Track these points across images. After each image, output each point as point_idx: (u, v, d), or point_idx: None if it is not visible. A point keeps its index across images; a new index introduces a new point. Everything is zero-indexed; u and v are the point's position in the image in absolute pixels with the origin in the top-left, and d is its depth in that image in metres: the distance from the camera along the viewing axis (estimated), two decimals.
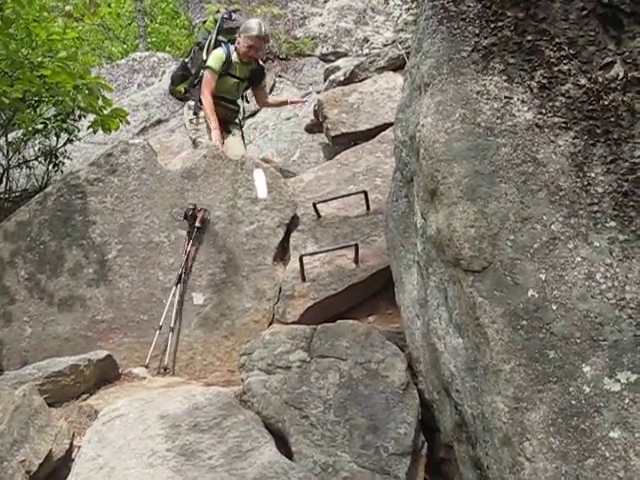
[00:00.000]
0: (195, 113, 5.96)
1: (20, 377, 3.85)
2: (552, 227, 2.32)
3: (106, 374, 4.20)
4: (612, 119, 2.39)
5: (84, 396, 3.96)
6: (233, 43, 5.97)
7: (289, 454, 3.17)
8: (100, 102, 4.99)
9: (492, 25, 2.63)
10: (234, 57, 5.98)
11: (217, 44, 5.99)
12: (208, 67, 5.89)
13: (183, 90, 6.12)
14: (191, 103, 6.02)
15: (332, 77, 6.91)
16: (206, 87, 5.87)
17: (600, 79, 2.45)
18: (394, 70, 6.84)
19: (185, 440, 3.11)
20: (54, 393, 3.83)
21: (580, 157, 2.39)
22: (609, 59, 2.46)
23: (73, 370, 3.95)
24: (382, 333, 3.65)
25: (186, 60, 6.22)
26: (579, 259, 2.26)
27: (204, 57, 5.97)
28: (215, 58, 5.90)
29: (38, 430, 3.25)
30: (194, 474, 2.91)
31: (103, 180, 5.17)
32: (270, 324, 4.56)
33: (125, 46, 14.44)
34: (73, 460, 3.24)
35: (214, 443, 3.11)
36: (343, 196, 5.18)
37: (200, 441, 3.12)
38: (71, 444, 3.33)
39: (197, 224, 4.84)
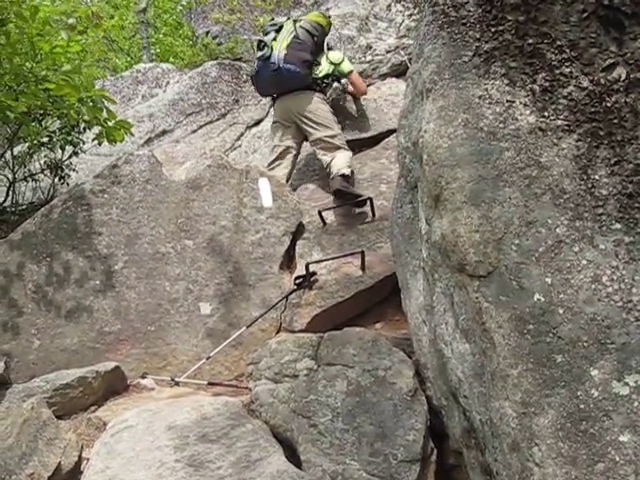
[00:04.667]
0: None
1: (28, 390, 3.86)
2: (557, 230, 2.31)
3: (114, 386, 4.19)
4: (615, 121, 2.39)
5: (92, 408, 3.96)
6: None
7: (298, 463, 3.16)
8: (104, 114, 5.01)
9: (493, 29, 2.63)
10: None
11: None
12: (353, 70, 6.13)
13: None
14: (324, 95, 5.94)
15: (335, 85, 6.90)
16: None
17: (602, 81, 2.44)
18: (397, 76, 6.83)
19: (194, 450, 3.11)
20: (62, 405, 3.83)
21: (584, 159, 2.38)
22: (611, 61, 2.45)
23: (81, 382, 3.95)
24: (389, 340, 3.64)
25: (307, 43, 5.92)
26: (585, 262, 2.25)
27: (326, 51, 6.00)
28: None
29: (47, 443, 3.25)
30: None
31: (108, 192, 5.18)
32: (277, 333, 4.56)
33: (129, 58, 14.48)
34: (82, 472, 3.24)
35: (223, 453, 3.11)
36: (348, 203, 5.18)
37: (209, 451, 3.11)
38: (80, 456, 3.33)
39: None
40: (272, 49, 5.73)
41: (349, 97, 6.46)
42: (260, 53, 5.80)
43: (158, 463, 3.04)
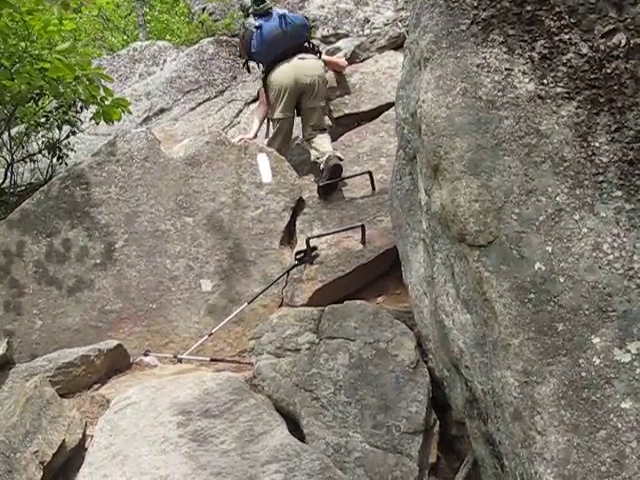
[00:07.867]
0: None
1: (31, 369, 3.87)
2: (557, 199, 2.29)
3: (117, 364, 4.21)
4: (615, 87, 2.36)
5: (96, 386, 3.97)
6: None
7: (301, 436, 3.18)
8: (102, 92, 4.96)
9: None
10: None
11: None
12: None
13: None
14: None
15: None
16: None
17: (602, 47, 2.41)
18: (395, 49, 6.76)
19: (197, 426, 3.12)
20: (66, 384, 3.84)
21: (584, 127, 2.36)
22: (611, 27, 2.42)
23: (84, 361, 3.96)
24: (391, 312, 3.65)
25: None
26: (585, 230, 2.24)
27: None
28: None
29: (50, 421, 3.26)
30: (207, 459, 2.93)
31: (107, 170, 5.16)
32: (279, 308, 4.55)
33: (125, 36, 14.38)
34: (86, 449, 3.26)
35: (226, 428, 3.12)
36: (348, 177, 5.16)
37: (212, 426, 3.12)
38: (84, 434, 3.34)
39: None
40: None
41: (346, 71, 6.42)
42: (259, 6, 5.71)
43: (162, 439, 3.05)
